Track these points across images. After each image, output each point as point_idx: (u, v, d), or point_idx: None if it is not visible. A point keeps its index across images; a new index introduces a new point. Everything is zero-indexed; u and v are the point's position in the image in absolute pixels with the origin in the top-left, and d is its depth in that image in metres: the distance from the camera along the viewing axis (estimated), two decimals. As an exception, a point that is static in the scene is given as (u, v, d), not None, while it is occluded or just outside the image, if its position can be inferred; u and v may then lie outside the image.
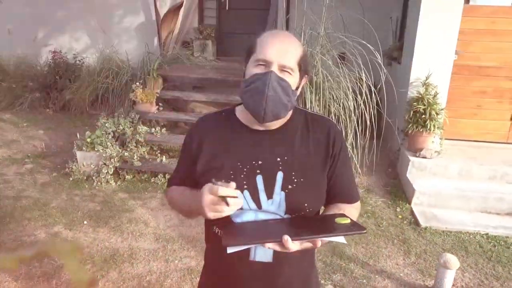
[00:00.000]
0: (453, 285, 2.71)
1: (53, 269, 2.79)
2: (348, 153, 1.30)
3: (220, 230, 0.94)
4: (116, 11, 6.88)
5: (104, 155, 4.09)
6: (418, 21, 4.11)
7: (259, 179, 1.12)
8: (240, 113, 1.21)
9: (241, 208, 1.04)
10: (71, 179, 4.18)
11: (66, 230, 3.32)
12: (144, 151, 4.40)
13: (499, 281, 2.87)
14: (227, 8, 6.88)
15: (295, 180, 1.12)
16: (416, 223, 3.53)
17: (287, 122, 1.18)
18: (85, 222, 3.45)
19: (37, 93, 6.39)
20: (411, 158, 4.08)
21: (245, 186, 1.11)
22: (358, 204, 1.27)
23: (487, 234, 3.42)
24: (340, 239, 0.92)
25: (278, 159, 1.14)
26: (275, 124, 1.15)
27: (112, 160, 4.08)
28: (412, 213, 3.64)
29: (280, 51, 1.07)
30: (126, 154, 4.18)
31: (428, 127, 3.92)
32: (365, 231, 0.97)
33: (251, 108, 1.10)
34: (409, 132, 4.11)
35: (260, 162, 1.13)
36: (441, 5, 4.02)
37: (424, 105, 3.91)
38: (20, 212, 3.55)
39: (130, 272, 2.84)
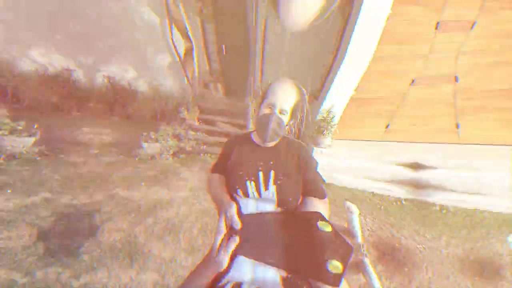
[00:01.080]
0: (361, 227, 2.93)
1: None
2: (315, 164, 1.70)
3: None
4: (148, 49, 7.35)
5: (165, 145, 5.90)
6: (337, 73, 5.21)
7: (260, 175, 1.49)
8: (254, 135, 1.64)
9: (247, 196, 1.42)
10: (136, 158, 5.03)
11: (124, 191, 3.60)
12: (193, 144, 6.23)
13: (394, 228, 3.20)
14: (224, 52, 7.48)
15: (281, 177, 1.48)
16: (322, 181, 4.47)
17: (277, 143, 1.59)
18: (142, 184, 3.83)
19: (100, 105, 7.37)
20: (315, 148, 5.71)
21: (252, 178, 1.47)
22: (327, 200, 1.60)
23: (373, 192, 4.11)
24: None
25: (271, 162, 1.52)
26: (271, 144, 1.56)
27: (170, 149, 5.87)
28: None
29: (282, 99, 1.46)
30: (181, 144, 6.01)
31: (325, 134, 5.71)
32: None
33: (260, 134, 1.53)
34: (315, 136, 5.75)
35: (261, 163, 1.53)
36: (351, 62, 5.00)
37: (326, 123, 5.87)
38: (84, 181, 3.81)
39: (162, 216, 3.25)
